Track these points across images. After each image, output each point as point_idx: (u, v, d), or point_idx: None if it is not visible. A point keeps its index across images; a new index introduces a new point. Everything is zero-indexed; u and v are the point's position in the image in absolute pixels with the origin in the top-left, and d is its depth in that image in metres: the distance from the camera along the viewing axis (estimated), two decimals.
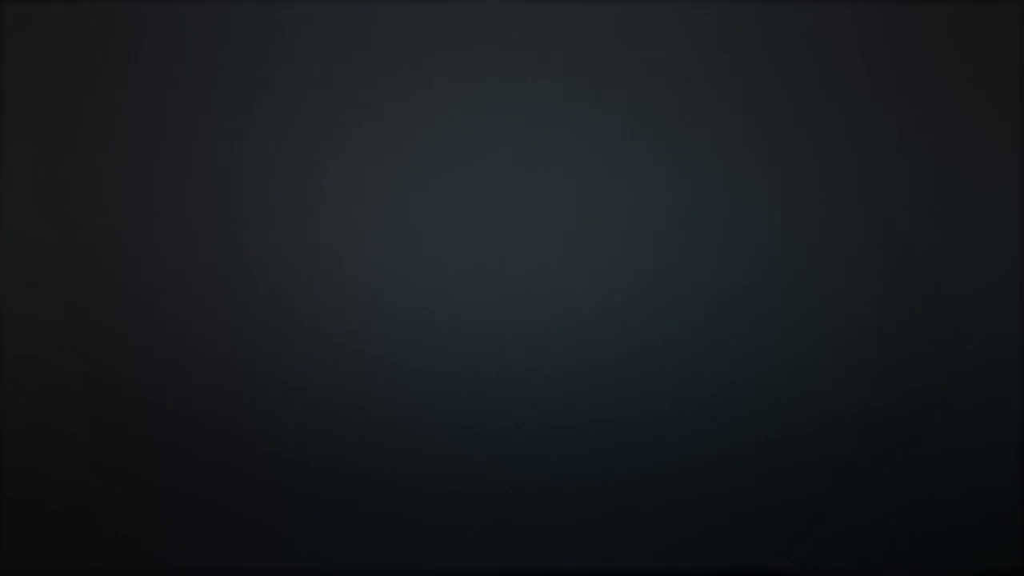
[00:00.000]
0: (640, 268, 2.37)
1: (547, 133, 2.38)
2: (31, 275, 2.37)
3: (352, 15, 2.39)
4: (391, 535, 2.38)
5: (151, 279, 2.37)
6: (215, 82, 2.38)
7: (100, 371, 2.36)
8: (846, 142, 2.38)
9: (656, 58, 2.39)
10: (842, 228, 2.38)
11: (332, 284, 2.37)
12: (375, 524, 2.38)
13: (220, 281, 2.37)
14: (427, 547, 2.38)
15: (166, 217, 2.38)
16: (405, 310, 2.37)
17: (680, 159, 2.38)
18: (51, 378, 2.36)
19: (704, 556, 2.37)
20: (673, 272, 2.37)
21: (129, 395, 2.36)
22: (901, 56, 2.39)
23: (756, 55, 2.39)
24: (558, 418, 2.37)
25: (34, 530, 2.37)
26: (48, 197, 2.38)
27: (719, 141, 2.38)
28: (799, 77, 2.39)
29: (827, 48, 2.38)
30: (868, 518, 2.37)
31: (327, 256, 2.37)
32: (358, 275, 2.37)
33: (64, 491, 2.37)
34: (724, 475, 2.37)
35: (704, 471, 2.37)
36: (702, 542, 2.38)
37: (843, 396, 2.37)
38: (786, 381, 2.37)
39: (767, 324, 2.37)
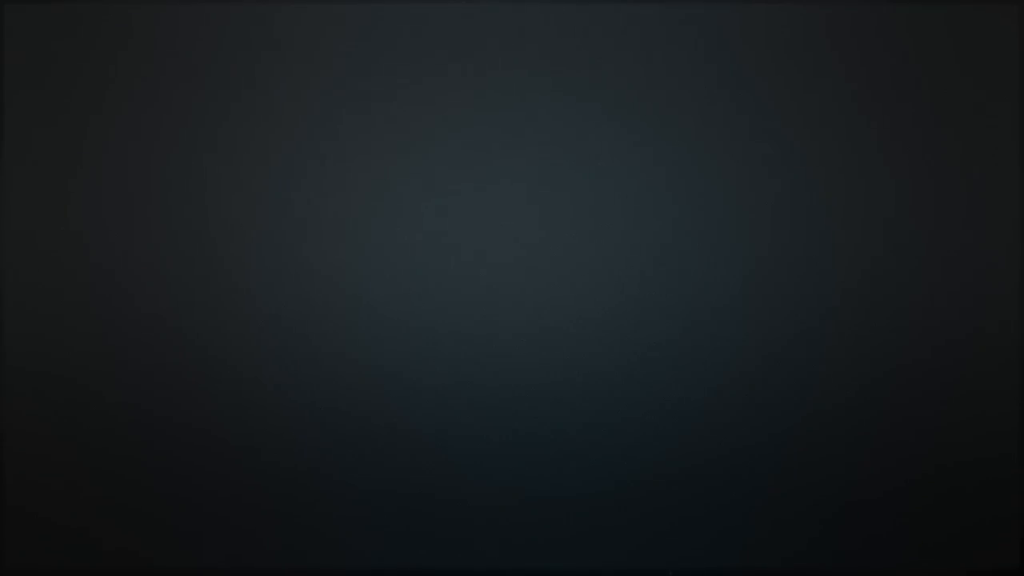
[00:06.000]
0: (640, 273, 2.38)
1: (546, 136, 2.38)
2: (25, 276, 2.37)
3: (350, 16, 2.39)
4: (389, 542, 2.38)
5: (143, 283, 2.37)
6: (210, 85, 2.38)
7: (90, 375, 2.36)
8: (848, 143, 2.38)
9: (658, 61, 2.39)
10: (845, 230, 2.38)
11: (333, 286, 2.37)
12: (372, 530, 2.38)
13: (211, 286, 2.37)
14: (427, 551, 2.38)
15: (157, 219, 2.38)
16: (402, 316, 2.37)
17: (681, 162, 2.38)
18: (39, 382, 2.36)
19: (703, 556, 2.38)
20: (673, 277, 2.37)
21: (121, 401, 2.36)
22: (901, 57, 2.39)
23: (758, 58, 2.39)
24: (555, 423, 2.37)
25: (26, 534, 2.37)
26: (45, 197, 2.38)
27: (721, 144, 2.38)
28: (800, 80, 2.39)
29: (827, 49, 2.38)
30: (868, 518, 2.37)
31: (326, 257, 2.37)
32: (356, 280, 2.37)
33: (51, 494, 2.37)
34: (724, 477, 2.37)
35: (705, 472, 2.37)
36: (701, 542, 2.38)
37: (844, 397, 2.37)
38: (788, 383, 2.37)
39: (769, 328, 2.37)
